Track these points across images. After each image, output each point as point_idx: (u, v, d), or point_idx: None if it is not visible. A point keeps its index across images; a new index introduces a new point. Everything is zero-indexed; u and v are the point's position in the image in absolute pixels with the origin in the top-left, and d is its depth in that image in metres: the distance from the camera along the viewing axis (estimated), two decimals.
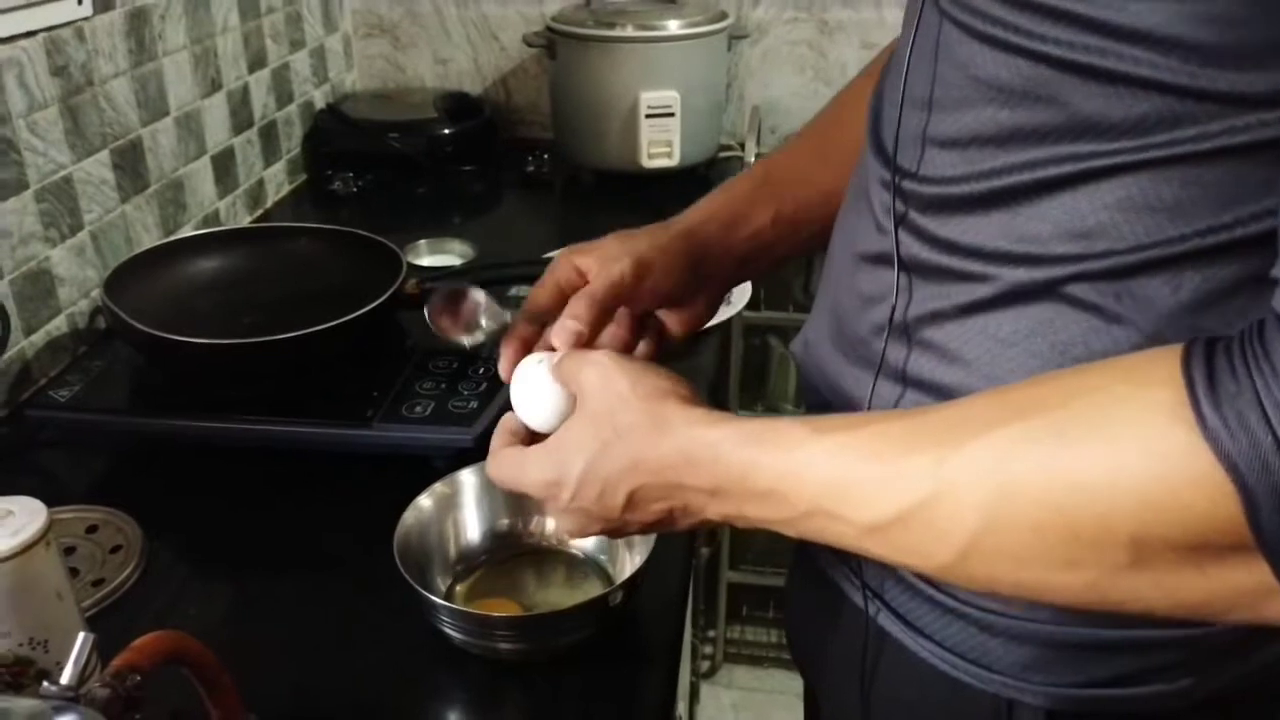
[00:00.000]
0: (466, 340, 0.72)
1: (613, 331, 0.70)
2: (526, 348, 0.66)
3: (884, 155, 0.58)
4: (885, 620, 0.61)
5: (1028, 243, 0.49)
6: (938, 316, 0.54)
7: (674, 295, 0.71)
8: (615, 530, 0.58)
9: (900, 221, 0.56)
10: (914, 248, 0.55)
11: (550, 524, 0.80)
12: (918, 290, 0.55)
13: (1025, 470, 0.42)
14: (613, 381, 0.56)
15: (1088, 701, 0.56)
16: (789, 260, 0.79)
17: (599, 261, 0.68)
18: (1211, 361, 0.38)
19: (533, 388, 0.62)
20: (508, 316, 0.70)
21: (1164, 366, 0.39)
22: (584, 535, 0.61)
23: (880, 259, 0.57)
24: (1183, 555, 0.39)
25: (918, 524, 0.45)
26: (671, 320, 0.74)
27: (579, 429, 0.57)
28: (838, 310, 0.63)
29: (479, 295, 0.71)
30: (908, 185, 0.55)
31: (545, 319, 0.66)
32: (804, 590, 0.72)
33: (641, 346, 0.73)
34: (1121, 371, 0.42)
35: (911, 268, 0.55)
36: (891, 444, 0.46)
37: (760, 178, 0.78)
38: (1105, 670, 0.55)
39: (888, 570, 0.60)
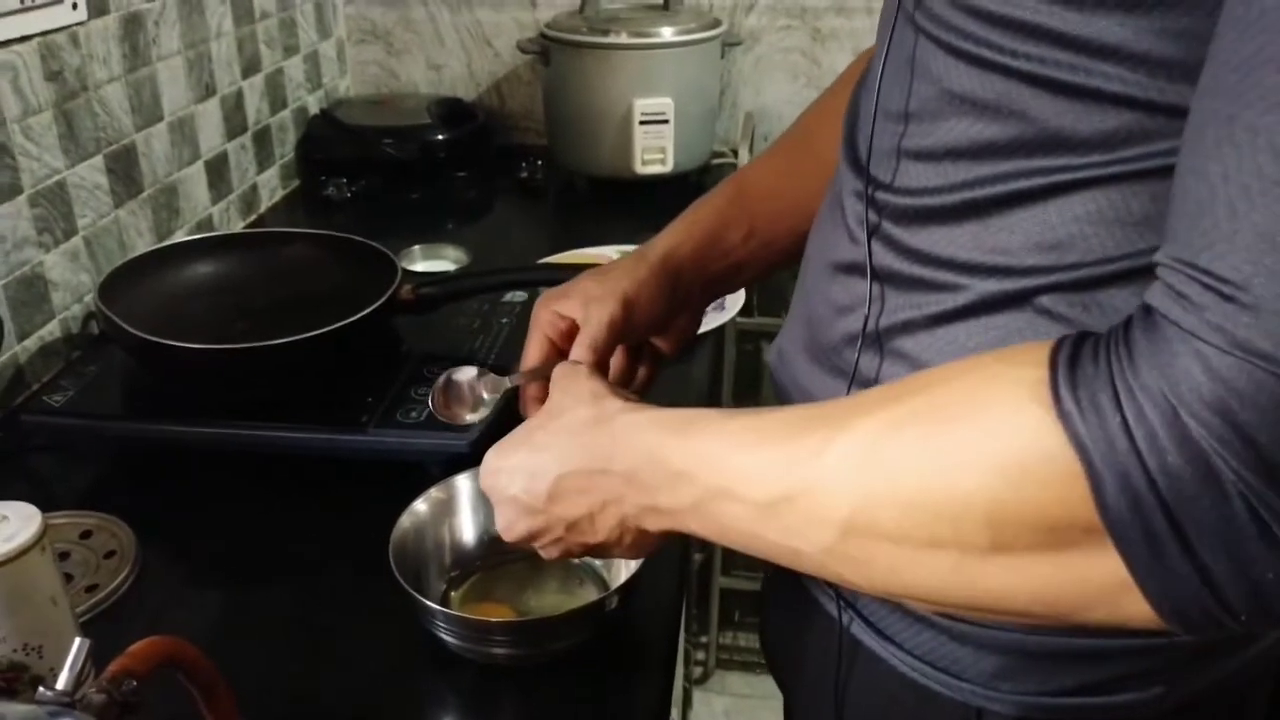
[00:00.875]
0: (473, 417, 0.77)
1: (612, 364, 0.73)
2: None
3: (858, 166, 0.59)
4: (857, 629, 0.61)
5: (998, 254, 0.50)
6: (909, 326, 0.54)
7: (660, 322, 0.74)
8: (542, 529, 0.60)
9: (873, 232, 0.57)
10: (886, 258, 0.56)
11: None
12: (890, 300, 0.56)
13: (898, 447, 0.43)
14: (572, 381, 0.61)
15: (1057, 710, 0.56)
16: (766, 275, 0.80)
17: (584, 305, 0.70)
18: (1079, 347, 0.39)
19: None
20: (506, 383, 0.73)
21: (1037, 350, 0.40)
22: (516, 536, 0.61)
23: (853, 269, 0.58)
24: (1039, 540, 0.40)
25: (803, 502, 0.46)
26: (661, 342, 0.77)
27: (530, 420, 0.61)
28: (811, 320, 0.64)
29: (470, 372, 0.75)
30: (881, 196, 0.56)
31: (545, 372, 0.68)
32: (779, 598, 0.73)
33: (641, 373, 0.77)
34: (1000, 354, 0.43)
35: (884, 278, 0.56)
36: (790, 426, 0.48)
37: (732, 195, 0.79)
38: (1074, 679, 0.55)
39: None
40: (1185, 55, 0.42)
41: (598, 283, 0.72)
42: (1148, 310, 0.38)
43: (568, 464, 0.57)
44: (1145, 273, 0.46)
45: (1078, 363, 0.39)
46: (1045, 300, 0.49)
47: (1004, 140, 0.49)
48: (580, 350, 0.67)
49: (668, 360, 0.77)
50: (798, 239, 0.72)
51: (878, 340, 0.56)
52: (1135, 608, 0.39)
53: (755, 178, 0.80)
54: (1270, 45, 0.34)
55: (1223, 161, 0.36)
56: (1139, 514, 0.37)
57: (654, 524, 0.55)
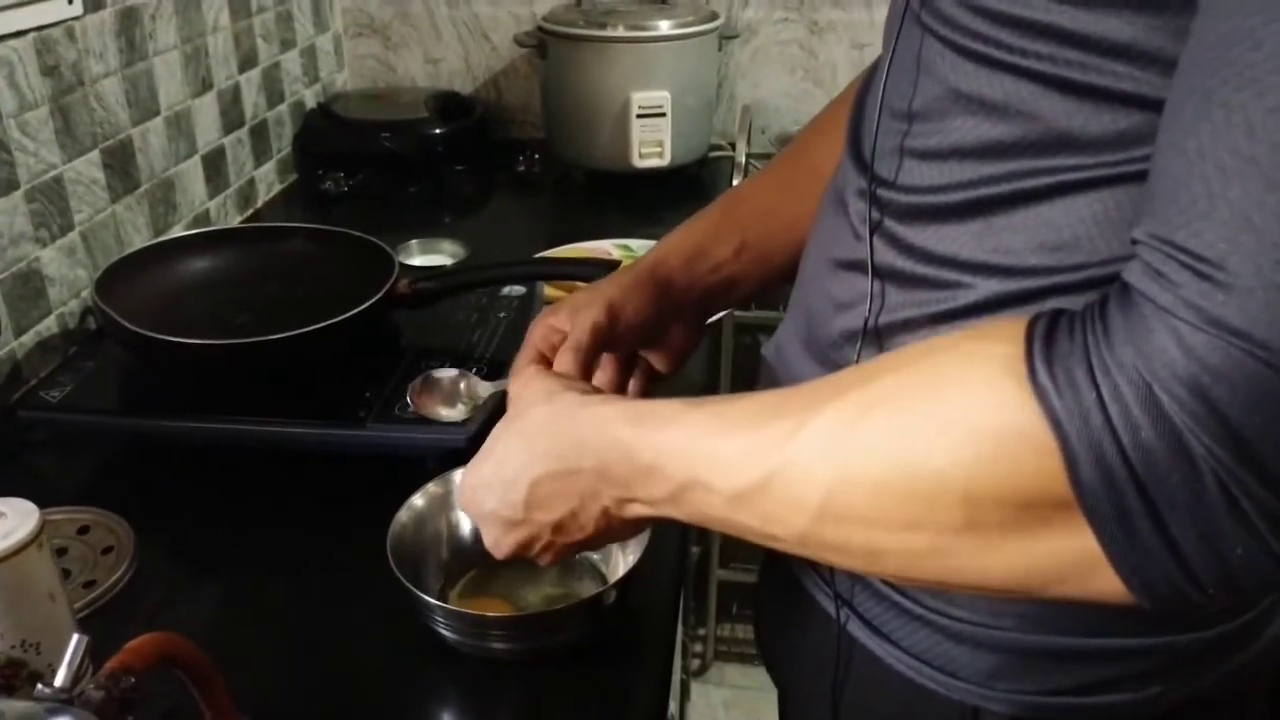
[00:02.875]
0: (449, 414, 0.79)
1: (601, 376, 0.73)
2: None
3: (862, 164, 0.59)
4: (854, 628, 0.61)
5: (1002, 254, 0.50)
6: (910, 324, 0.54)
7: (649, 332, 0.73)
8: (529, 539, 0.59)
9: (875, 229, 0.56)
10: (889, 256, 0.55)
11: None
12: (891, 297, 0.56)
13: (869, 428, 0.43)
14: (532, 383, 0.61)
15: (1054, 710, 0.56)
16: (763, 290, 0.80)
17: (571, 314, 0.70)
18: (1054, 324, 0.40)
19: None
20: (490, 388, 0.74)
21: (1012, 327, 0.41)
22: (506, 551, 0.61)
23: (855, 265, 0.58)
24: (1013, 516, 0.40)
25: (777, 487, 0.46)
26: (654, 358, 0.76)
27: (496, 430, 0.61)
28: (810, 315, 0.64)
29: (451, 373, 0.77)
30: (885, 194, 0.56)
31: None
32: (774, 594, 0.73)
33: (632, 385, 0.76)
34: (975, 332, 0.43)
35: (886, 275, 0.56)
36: (759, 413, 0.48)
37: (724, 210, 0.79)
38: (1071, 678, 0.55)
39: (857, 577, 0.60)
40: None
41: (585, 293, 0.72)
42: (1125, 287, 0.38)
43: (537, 469, 0.56)
44: None
45: (1053, 339, 0.39)
46: (1049, 301, 0.49)
47: (1011, 140, 0.48)
48: (564, 355, 0.67)
49: (663, 377, 0.76)
50: (794, 255, 0.72)
51: (878, 338, 0.56)
52: (1105, 582, 0.39)
53: (749, 193, 0.80)
54: (1245, 22, 0.34)
55: (1199, 138, 0.36)
56: (1112, 490, 0.37)
57: (636, 512, 0.55)
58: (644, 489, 0.52)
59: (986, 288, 0.51)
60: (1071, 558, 0.39)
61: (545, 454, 0.56)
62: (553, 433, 0.56)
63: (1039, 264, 0.49)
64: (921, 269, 0.53)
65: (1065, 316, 0.40)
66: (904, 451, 0.41)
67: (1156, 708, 0.56)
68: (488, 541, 0.62)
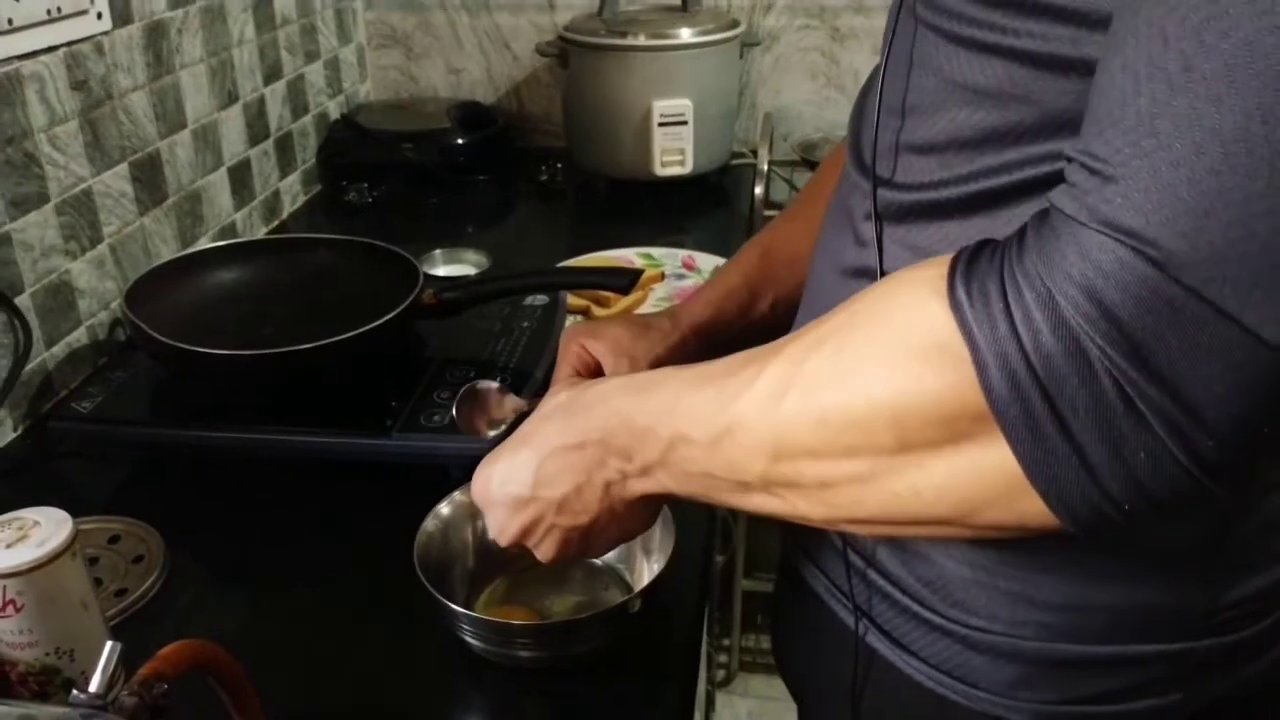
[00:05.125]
0: (493, 433, 0.81)
1: None
2: None
3: (863, 167, 0.59)
4: (873, 638, 0.61)
5: None
6: None
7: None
8: (533, 521, 0.61)
9: (880, 232, 0.56)
10: (897, 258, 0.55)
11: None
12: None
13: (814, 362, 0.45)
14: (560, 387, 0.63)
15: (1074, 718, 0.56)
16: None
17: (614, 354, 0.73)
18: (979, 247, 0.41)
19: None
20: (523, 404, 0.77)
21: (944, 257, 0.42)
22: (509, 536, 0.63)
23: (861, 272, 0.58)
24: (940, 434, 0.41)
25: (740, 432, 0.48)
26: None
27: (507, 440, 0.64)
28: None
29: (492, 385, 0.79)
30: (886, 194, 0.56)
31: None
32: (791, 606, 0.73)
33: None
34: (914, 265, 0.44)
35: None
36: (731, 363, 0.50)
37: (759, 262, 0.81)
38: (1093, 687, 0.55)
39: (875, 588, 0.60)
40: None
41: (632, 336, 0.74)
42: (1047, 206, 0.40)
43: (546, 447, 0.58)
44: None
45: (975, 259, 0.41)
46: None
47: (1007, 127, 0.48)
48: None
49: None
50: None
51: None
52: (1029, 503, 0.40)
53: (779, 243, 0.82)
54: None
55: (1124, 54, 0.37)
56: (1018, 395, 0.38)
57: (637, 488, 0.56)
58: (641, 454, 0.54)
59: None
60: (995, 476, 0.40)
61: (556, 432, 0.58)
62: (564, 414, 0.58)
63: None
64: None
65: (991, 242, 0.41)
66: (841, 380, 0.43)
67: (1178, 714, 0.55)
68: (493, 528, 0.64)
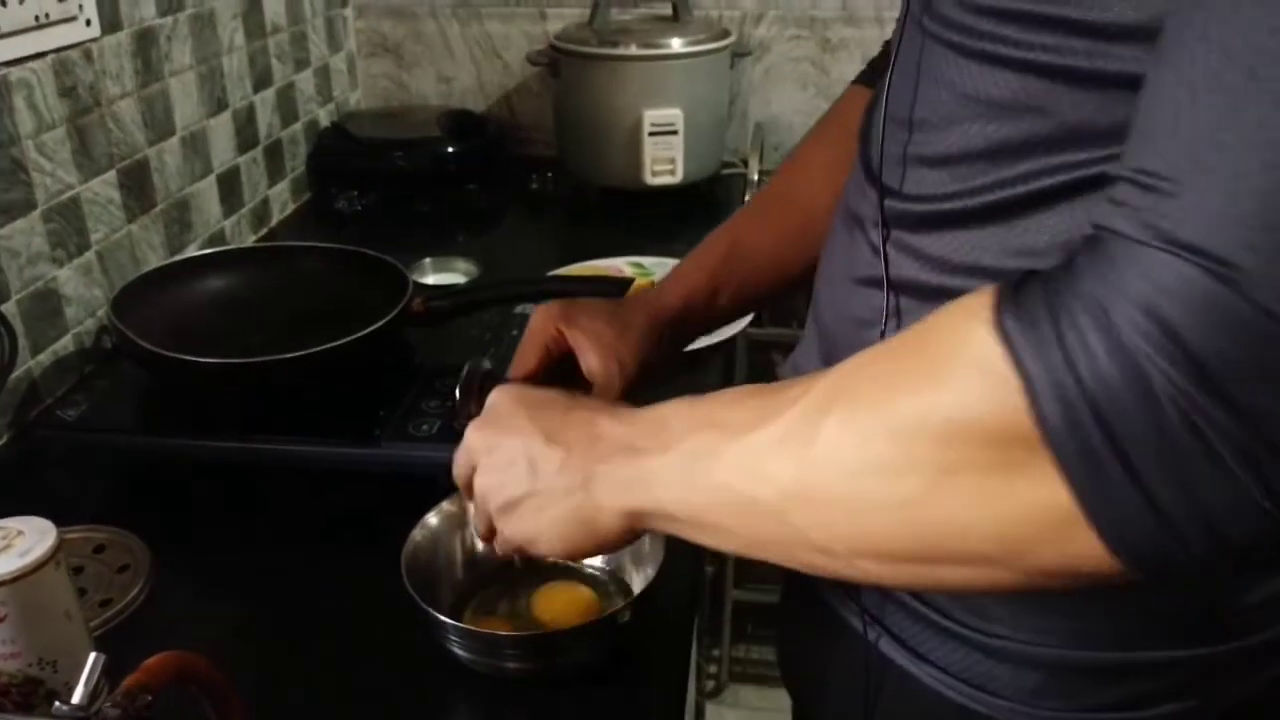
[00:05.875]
0: None
1: None
2: None
3: (874, 178, 0.58)
4: (886, 646, 0.61)
5: (1024, 256, 0.49)
6: None
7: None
8: (501, 438, 0.58)
9: (894, 243, 0.56)
10: (909, 268, 0.55)
11: None
12: (918, 312, 0.55)
13: (858, 379, 0.44)
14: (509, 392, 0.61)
15: None
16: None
17: (599, 354, 0.72)
18: (1027, 276, 0.40)
19: None
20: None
21: (994, 286, 0.40)
22: (477, 444, 0.60)
23: (876, 282, 0.58)
24: (987, 459, 0.39)
25: (772, 439, 0.45)
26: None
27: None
28: (830, 335, 0.64)
29: (486, 365, 0.74)
30: (900, 206, 0.56)
31: (535, 381, 0.70)
32: (798, 613, 0.72)
33: None
34: (966, 295, 0.43)
35: (909, 289, 0.56)
36: (777, 385, 0.48)
37: (725, 257, 0.80)
38: (1113, 694, 0.55)
39: (888, 595, 0.60)
40: None
41: (616, 335, 0.73)
42: (1095, 229, 0.38)
43: (552, 408, 0.58)
44: None
45: (1022, 287, 0.39)
46: None
47: (1021, 139, 0.48)
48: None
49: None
50: (769, 290, 0.78)
51: None
52: (1085, 544, 0.37)
53: (748, 240, 0.81)
54: None
55: (1176, 68, 0.36)
56: (1074, 426, 0.36)
57: (620, 471, 0.52)
58: (647, 436, 0.52)
59: None
60: (1048, 512, 0.38)
61: (564, 409, 0.57)
62: (575, 413, 0.57)
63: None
64: (944, 280, 0.53)
65: (1038, 271, 0.40)
66: (886, 397, 0.42)
67: (1207, 715, 0.55)
68: (471, 439, 0.61)
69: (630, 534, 0.54)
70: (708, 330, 0.83)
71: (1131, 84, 0.44)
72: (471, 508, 0.62)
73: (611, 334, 0.73)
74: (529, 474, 0.56)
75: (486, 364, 0.74)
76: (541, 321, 0.73)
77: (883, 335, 0.57)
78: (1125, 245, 0.35)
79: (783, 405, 0.46)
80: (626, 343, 0.73)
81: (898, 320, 0.56)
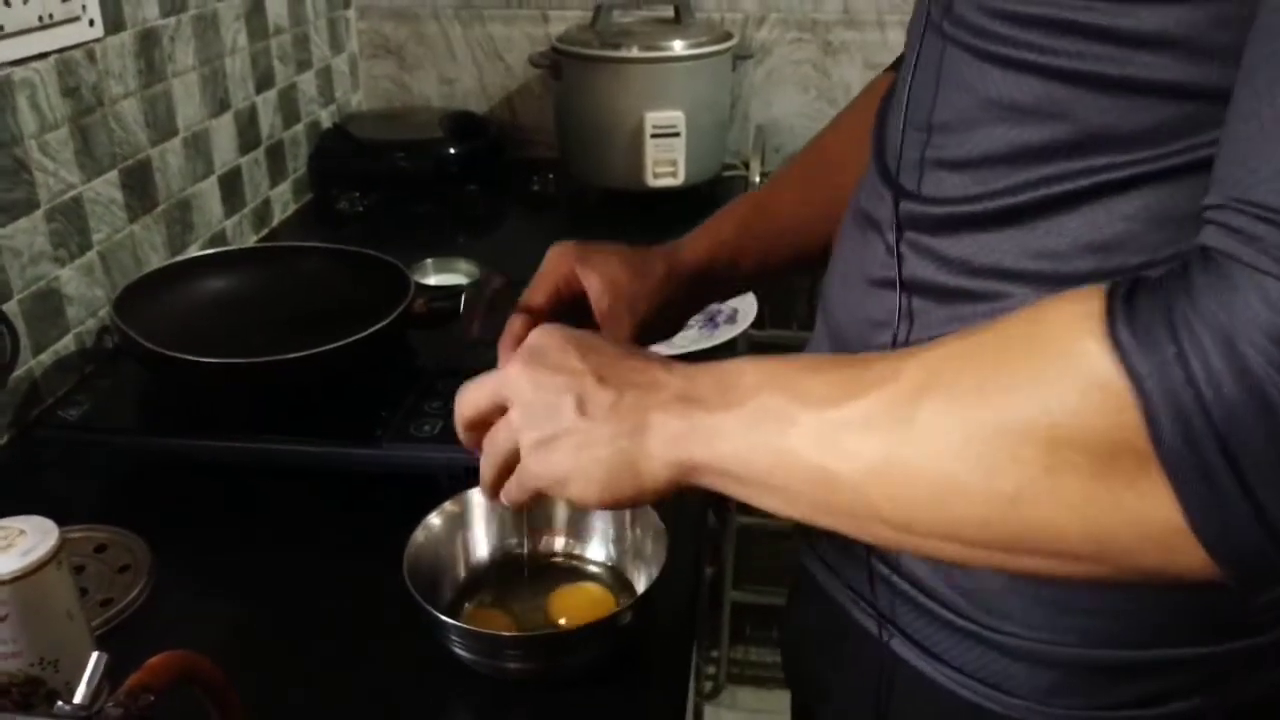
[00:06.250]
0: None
1: None
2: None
3: (890, 180, 0.58)
4: (899, 646, 0.61)
5: (1046, 258, 0.49)
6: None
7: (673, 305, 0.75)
8: (556, 369, 0.53)
9: (911, 245, 0.56)
10: (927, 270, 0.55)
11: (559, 543, 0.80)
12: (934, 313, 0.55)
13: (957, 372, 0.42)
14: (555, 331, 0.56)
15: None
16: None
17: (611, 296, 0.69)
18: (1135, 285, 0.39)
19: None
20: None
21: (1091, 290, 0.40)
22: (525, 366, 0.54)
23: (892, 283, 0.58)
24: (1095, 467, 0.39)
25: (858, 418, 0.44)
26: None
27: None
28: (841, 335, 0.63)
29: (499, 281, 0.73)
30: (917, 208, 0.56)
31: (540, 319, 0.65)
32: (806, 612, 0.72)
33: None
34: (1062, 295, 0.42)
35: (925, 290, 0.55)
36: (856, 359, 0.47)
37: (749, 220, 0.79)
38: (1129, 692, 0.55)
39: (902, 595, 0.60)
40: (1232, 41, 0.42)
41: (630, 279, 0.70)
42: (1204, 251, 0.38)
43: (603, 353, 0.54)
44: None
45: (1134, 298, 0.39)
46: None
47: (1043, 143, 0.48)
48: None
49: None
50: (792, 263, 0.74)
51: None
52: (1189, 555, 0.38)
53: (775, 205, 0.80)
54: None
55: (1274, 103, 0.36)
56: (1193, 446, 0.36)
57: (677, 422, 0.49)
58: (712, 391, 0.49)
59: (1031, 297, 0.50)
60: (1154, 521, 0.38)
61: (616, 354, 0.53)
62: (641, 359, 0.54)
63: (1084, 267, 0.48)
64: (962, 281, 0.53)
65: (1145, 279, 0.39)
66: (990, 397, 0.41)
67: (1218, 713, 0.55)
68: (493, 378, 0.56)
69: (673, 487, 0.51)
70: (723, 294, 0.80)
71: (1156, 90, 0.44)
72: (486, 456, 0.58)
73: (626, 279, 0.70)
74: (575, 411, 0.52)
75: (499, 280, 0.71)
76: (555, 260, 0.70)
77: (894, 337, 0.56)
78: (1248, 273, 0.36)
79: (868, 384, 0.45)
80: (642, 291, 0.70)
81: (910, 322, 0.56)
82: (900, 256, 0.56)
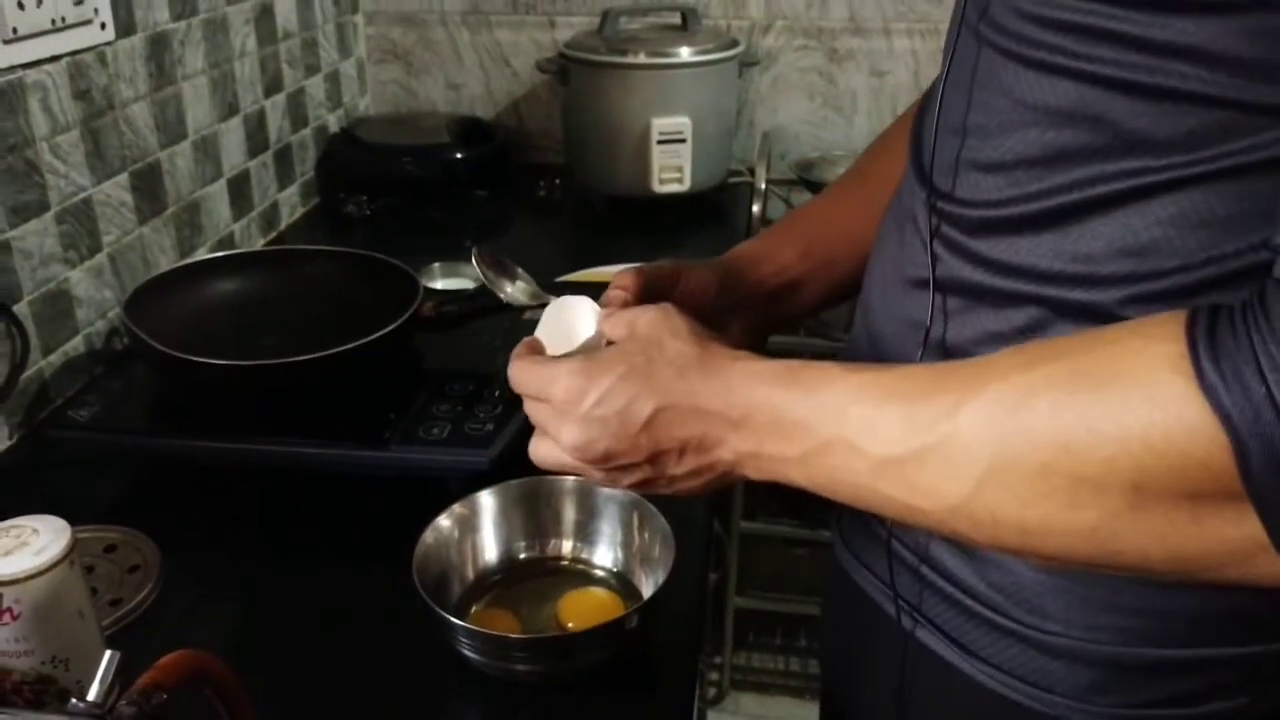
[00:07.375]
0: (509, 290, 0.79)
1: None
2: None
3: (927, 182, 0.59)
4: (936, 643, 0.61)
5: (1080, 262, 0.50)
6: (996, 339, 0.54)
7: (708, 310, 0.71)
8: (623, 452, 0.56)
9: (947, 245, 0.56)
10: (965, 271, 0.55)
11: (567, 547, 0.80)
12: (973, 314, 0.55)
13: (1038, 412, 0.43)
14: (670, 318, 0.58)
15: None
16: (831, 299, 0.80)
17: (645, 267, 0.70)
18: (1214, 320, 0.40)
19: (572, 316, 0.66)
20: (547, 298, 0.72)
21: (1172, 324, 0.41)
22: (594, 454, 0.56)
23: (928, 283, 0.58)
24: (1179, 504, 0.40)
25: (933, 459, 0.46)
26: None
27: (624, 347, 0.58)
28: (881, 337, 0.63)
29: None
30: (954, 210, 0.56)
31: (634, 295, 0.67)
32: (842, 614, 0.72)
33: None
34: (1135, 327, 0.43)
35: (964, 291, 0.56)
36: (917, 384, 0.48)
37: (786, 223, 0.80)
38: (1166, 690, 0.55)
39: (939, 591, 0.60)
40: (1267, 54, 0.42)
41: (719, 292, 0.73)
42: (1278, 283, 0.39)
43: (672, 398, 0.54)
44: (1232, 278, 0.46)
45: (1216, 335, 0.39)
46: (1131, 310, 0.49)
47: (1078, 146, 0.48)
48: (624, 276, 0.67)
49: None
50: (857, 263, 0.72)
51: (962, 355, 0.56)
52: (1268, 565, 0.40)
53: (810, 208, 0.82)
54: None
55: None
56: None
57: (749, 470, 0.54)
58: (778, 443, 0.52)
59: (1070, 297, 0.50)
60: (1238, 543, 0.40)
61: (686, 390, 0.54)
62: (700, 373, 0.55)
63: (1119, 270, 0.49)
64: (997, 282, 0.53)
65: (1224, 312, 0.40)
66: (1073, 439, 0.42)
67: (1244, 717, 0.55)
68: (575, 439, 0.57)
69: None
70: (794, 290, 0.78)
71: (1191, 99, 0.44)
72: (547, 423, 0.60)
73: (716, 288, 0.72)
74: (655, 483, 0.58)
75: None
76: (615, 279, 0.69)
77: (927, 334, 0.57)
78: None
79: (936, 419, 0.46)
80: (668, 260, 0.71)
81: (944, 321, 0.56)
82: (935, 257, 0.57)
